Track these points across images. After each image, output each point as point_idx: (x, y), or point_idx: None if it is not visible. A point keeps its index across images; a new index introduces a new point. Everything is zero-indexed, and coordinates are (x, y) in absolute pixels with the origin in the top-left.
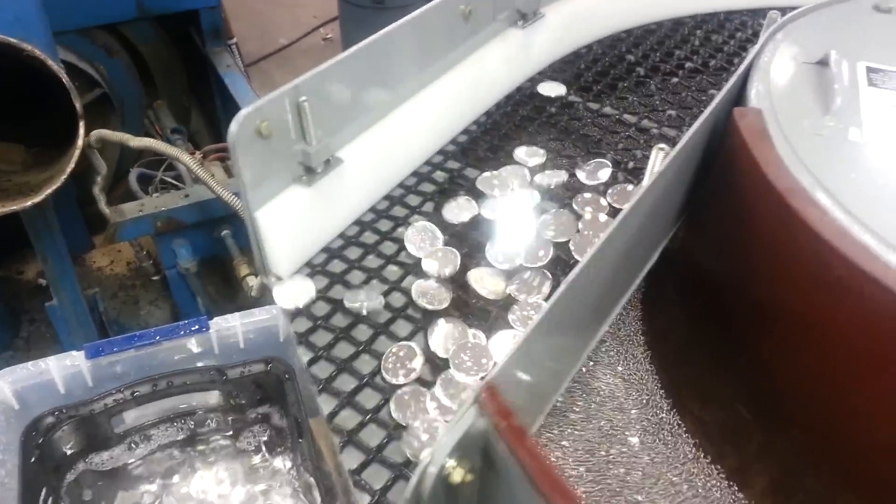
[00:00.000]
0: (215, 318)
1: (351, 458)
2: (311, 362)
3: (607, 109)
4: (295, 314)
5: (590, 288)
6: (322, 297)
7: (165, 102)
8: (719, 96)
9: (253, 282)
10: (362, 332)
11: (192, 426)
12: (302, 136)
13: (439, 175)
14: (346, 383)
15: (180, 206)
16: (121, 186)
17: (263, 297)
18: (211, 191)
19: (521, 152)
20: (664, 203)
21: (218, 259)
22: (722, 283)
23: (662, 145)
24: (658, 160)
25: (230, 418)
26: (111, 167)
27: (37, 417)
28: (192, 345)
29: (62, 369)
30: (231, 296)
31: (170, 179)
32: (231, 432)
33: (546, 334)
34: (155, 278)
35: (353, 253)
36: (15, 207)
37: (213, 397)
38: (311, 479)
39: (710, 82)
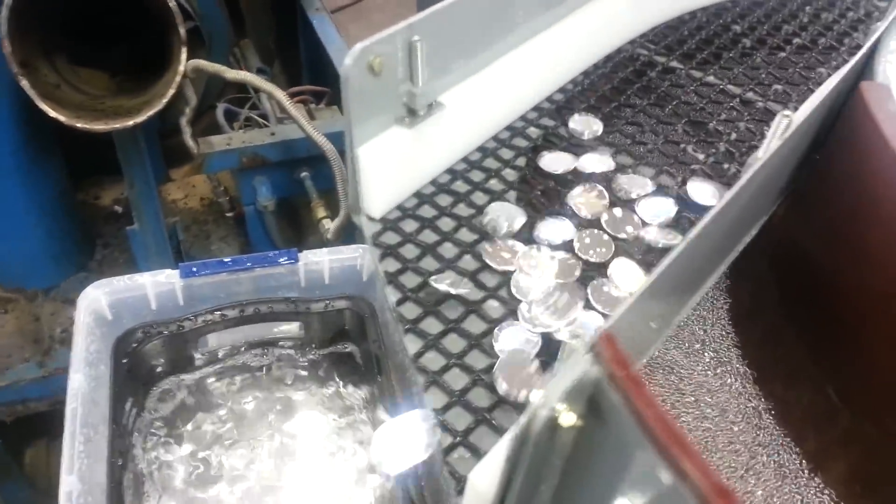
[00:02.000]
0: (304, 252)
1: (435, 399)
2: (399, 303)
3: (710, 79)
4: (385, 254)
5: (696, 253)
6: (411, 241)
7: (252, 41)
8: (845, 69)
9: (329, 224)
10: (449, 277)
11: (273, 355)
12: (409, 76)
13: (533, 131)
14: (432, 326)
15: (266, 143)
16: (201, 122)
17: (338, 240)
18: (301, 129)
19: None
20: (776, 174)
21: (291, 201)
22: (827, 263)
23: (787, 112)
24: (781, 128)
25: (310, 351)
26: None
27: (128, 330)
28: (280, 276)
29: (156, 286)
30: (299, 238)
31: (255, 117)
32: (310, 365)
33: (650, 297)
34: (228, 215)
35: (444, 200)
36: (118, 126)
37: (296, 329)
38: (387, 416)
39: (819, 60)
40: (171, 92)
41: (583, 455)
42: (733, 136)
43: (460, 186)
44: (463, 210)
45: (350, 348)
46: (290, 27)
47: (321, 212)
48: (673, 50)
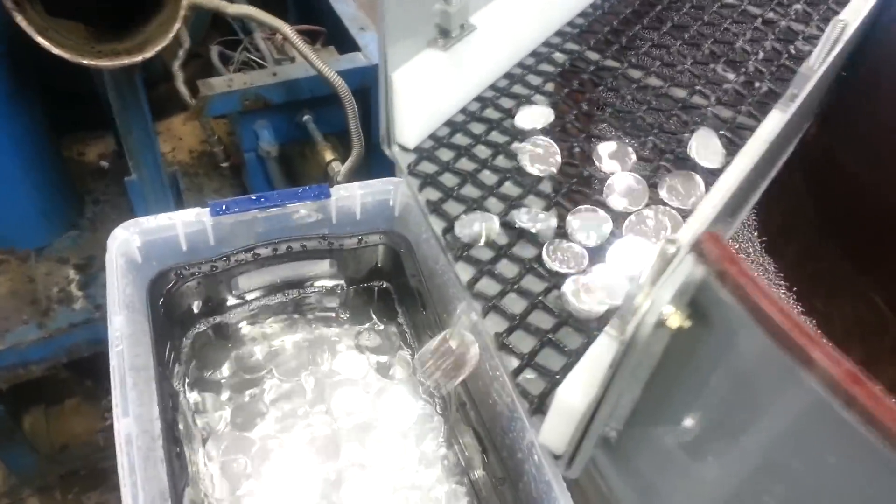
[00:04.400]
0: (335, 186)
1: (495, 324)
2: (445, 231)
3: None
4: (424, 184)
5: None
6: (449, 170)
7: None
8: None
9: (339, 167)
10: (494, 205)
11: (307, 293)
12: None
13: (559, 56)
14: (483, 253)
15: (269, 83)
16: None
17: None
18: (312, 66)
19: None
20: (818, 88)
21: (290, 147)
22: (870, 177)
23: (842, 18)
24: (836, 32)
25: (345, 289)
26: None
27: (161, 271)
28: (310, 212)
29: (186, 225)
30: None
31: (254, 59)
32: (345, 302)
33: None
34: (223, 165)
35: (477, 128)
36: (127, 61)
37: (329, 266)
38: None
39: None
40: (177, 26)
41: (684, 356)
42: (760, 55)
43: (491, 114)
44: (497, 137)
45: (385, 284)
46: None
47: (329, 154)
48: None
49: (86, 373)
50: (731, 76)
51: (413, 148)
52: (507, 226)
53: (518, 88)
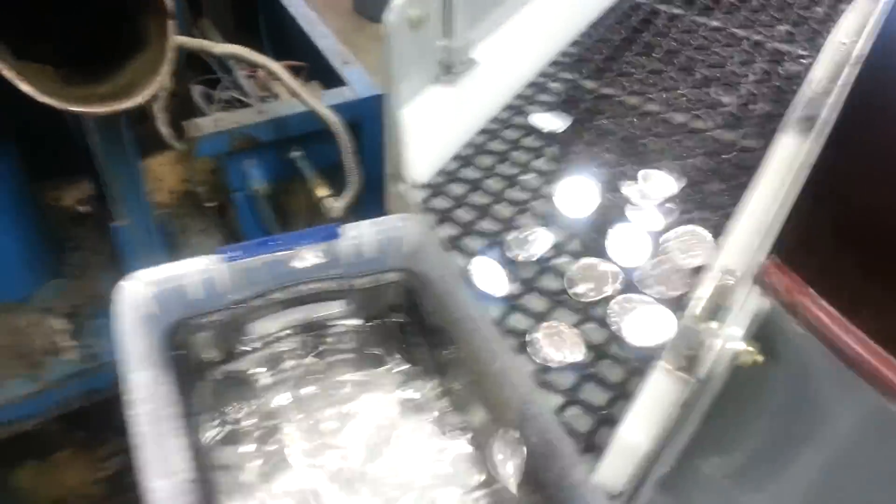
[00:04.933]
0: (346, 226)
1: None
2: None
3: (715, 23)
4: (441, 220)
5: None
6: (464, 204)
7: (210, 19)
8: None
9: (333, 202)
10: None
11: (323, 336)
12: (444, 31)
13: (555, 86)
14: (510, 287)
15: (257, 122)
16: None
17: (345, 220)
18: (304, 103)
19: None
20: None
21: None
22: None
23: (843, 40)
24: (839, 55)
25: (360, 329)
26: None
27: (176, 322)
28: (318, 254)
29: (197, 273)
30: (291, 223)
31: (239, 97)
32: (361, 344)
33: None
34: (208, 205)
35: (485, 161)
36: (119, 107)
37: (344, 307)
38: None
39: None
40: (167, 68)
41: (748, 390)
42: (751, 77)
43: (497, 146)
44: (507, 169)
45: (402, 321)
46: (249, 3)
47: (322, 190)
48: None
49: (77, 424)
50: (725, 99)
51: (424, 184)
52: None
53: (520, 119)
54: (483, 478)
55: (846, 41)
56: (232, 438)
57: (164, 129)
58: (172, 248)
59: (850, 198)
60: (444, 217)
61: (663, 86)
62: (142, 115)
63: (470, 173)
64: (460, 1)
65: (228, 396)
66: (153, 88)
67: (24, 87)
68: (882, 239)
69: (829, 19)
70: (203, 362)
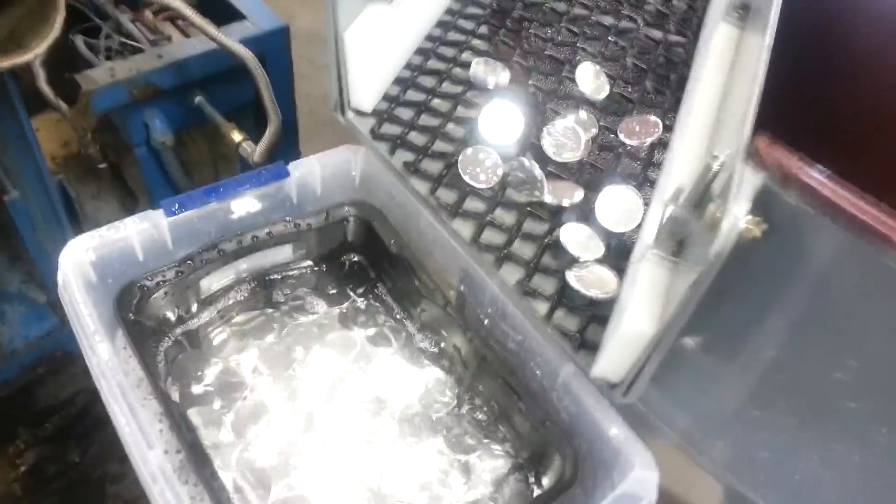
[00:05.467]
0: (292, 163)
1: (511, 274)
2: (433, 191)
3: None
4: (395, 147)
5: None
6: (416, 128)
7: None
8: None
9: (251, 147)
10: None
11: (279, 283)
12: None
13: None
14: (477, 205)
15: (156, 67)
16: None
17: (266, 162)
18: (214, 40)
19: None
20: None
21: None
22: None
23: None
24: None
25: (316, 270)
26: None
27: (125, 287)
28: (266, 195)
29: (140, 232)
30: (202, 175)
31: (129, 42)
32: (318, 283)
33: None
34: (102, 166)
35: (428, 81)
36: (15, 60)
37: (296, 250)
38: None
39: None
40: (60, 16)
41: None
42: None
43: (436, 65)
44: (451, 88)
45: (357, 258)
46: None
47: (237, 135)
48: None
49: None
50: None
51: (371, 111)
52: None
53: (454, 35)
54: (455, 402)
55: None
56: (201, 399)
57: (45, 88)
58: (72, 219)
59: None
60: (396, 144)
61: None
62: (11, 73)
63: (415, 95)
64: None
65: (191, 356)
66: (52, 35)
67: None
68: (859, 103)
69: None
70: (160, 324)
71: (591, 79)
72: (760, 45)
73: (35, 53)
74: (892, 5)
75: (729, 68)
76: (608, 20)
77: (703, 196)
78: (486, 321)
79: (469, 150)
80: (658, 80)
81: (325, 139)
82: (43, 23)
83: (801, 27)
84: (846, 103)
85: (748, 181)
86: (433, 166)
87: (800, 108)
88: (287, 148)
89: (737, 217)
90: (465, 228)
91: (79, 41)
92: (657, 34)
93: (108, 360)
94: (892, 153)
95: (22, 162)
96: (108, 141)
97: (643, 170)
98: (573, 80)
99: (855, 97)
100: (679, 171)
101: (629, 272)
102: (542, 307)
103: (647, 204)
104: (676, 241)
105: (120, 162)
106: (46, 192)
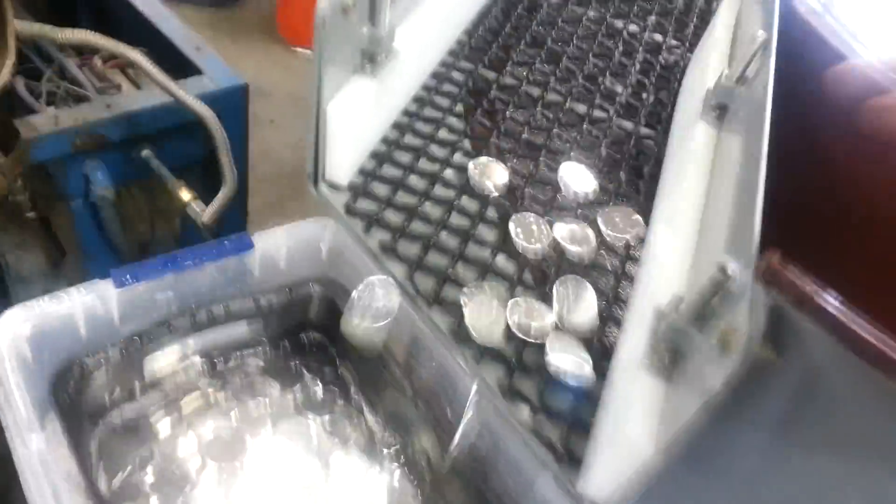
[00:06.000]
0: (256, 234)
1: (489, 373)
2: (410, 275)
3: (593, 13)
4: (369, 225)
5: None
6: (392, 206)
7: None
8: None
9: (200, 207)
10: (448, 241)
11: (231, 361)
12: (371, 16)
13: (457, 75)
14: (450, 293)
15: (104, 118)
16: None
17: (213, 225)
18: (172, 95)
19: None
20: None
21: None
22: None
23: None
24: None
25: (273, 350)
26: None
27: (62, 368)
28: (227, 268)
29: (84, 304)
30: (143, 232)
31: (75, 88)
32: (272, 363)
33: None
34: (30, 215)
35: (403, 157)
36: None
37: (253, 327)
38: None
39: None
40: (10, 61)
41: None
42: (637, 66)
43: (412, 140)
44: (427, 165)
45: (317, 336)
46: None
47: (185, 193)
48: None
49: None
50: (619, 88)
51: (346, 185)
52: (466, 259)
53: (429, 111)
54: None
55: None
56: (138, 493)
57: None
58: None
59: (831, 189)
60: (372, 221)
61: (561, 76)
62: None
63: (390, 171)
64: None
65: (130, 444)
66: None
67: None
68: (868, 226)
69: (689, 10)
70: (98, 408)
71: (577, 177)
72: (753, 153)
73: None
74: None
75: (710, 168)
76: (581, 108)
77: (705, 309)
78: (449, 414)
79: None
80: (631, 172)
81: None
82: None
83: (784, 132)
84: (830, 211)
85: (759, 301)
86: (410, 248)
87: (787, 216)
88: (237, 207)
89: (752, 339)
90: (442, 318)
91: (18, 83)
92: (628, 125)
93: (39, 453)
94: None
95: None
96: (39, 190)
97: (621, 263)
98: (551, 168)
99: (838, 205)
100: (670, 276)
101: (615, 379)
102: (524, 411)
103: (621, 301)
104: (671, 352)
105: (50, 213)
106: None
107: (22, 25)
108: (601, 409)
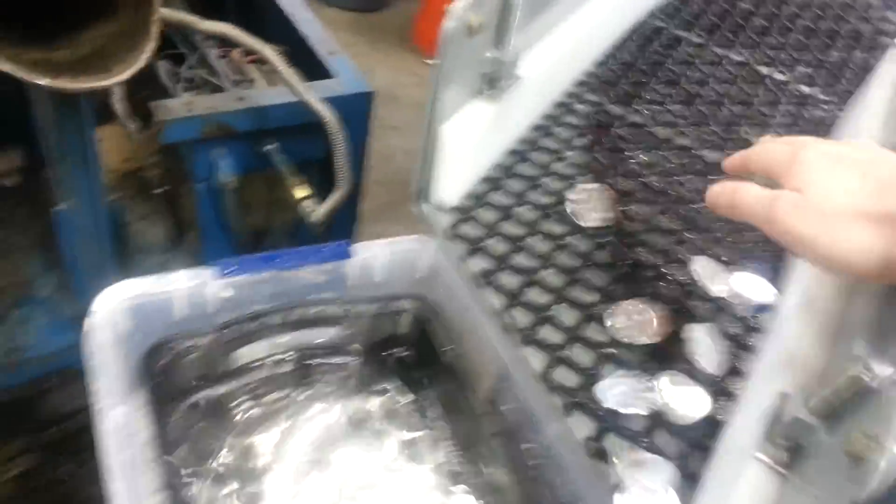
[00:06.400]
0: (356, 244)
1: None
2: (507, 308)
3: (735, 56)
4: (472, 251)
5: None
6: (497, 234)
7: None
8: None
9: (313, 205)
10: (551, 278)
11: (317, 366)
12: (498, 40)
13: (581, 108)
14: (552, 335)
15: (234, 110)
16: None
17: (324, 225)
18: (297, 95)
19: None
20: None
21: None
22: None
23: None
24: None
25: (362, 358)
26: None
27: (155, 345)
28: (324, 272)
29: (186, 289)
30: (257, 222)
31: (209, 78)
32: (360, 376)
33: None
34: (157, 191)
35: (516, 185)
36: (98, 84)
37: (344, 334)
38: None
39: (828, 43)
40: (151, 45)
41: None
42: (777, 117)
43: (527, 170)
44: (539, 197)
45: (406, 353)
46: None
47: (301, 191)
48: (690, 24)
49: None
50: (753, 140)
51: (452, 207)
52: (573, 302)
53: (548, 142)
54: None
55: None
56: (209, 477)
57: (119, 107)
58: (117, 237)
59: None
60: (474, 248)
61: (693, 119)
62: None
63: (500, 198)
64: (518, 8)
65: (209, 430)
66: (138, 64)
67: None
68: None
69: (844, 65)
70: (183, 390)
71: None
72: None
73: (116, 80)
74: None
75: None
76: (712, 157)
77: (838, 408)
78: (533, 460)
79: None
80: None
81: (379, 198)
82: (132, 50)
83: None
84: None
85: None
86: (510, 281)
87: None
88: (346, 208)
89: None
90: (535, 358)
91: (161, 67)
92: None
93: (121, 425)
94: None
95: (78, 176)
96: (171, 167)
97: (744, 332)
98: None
99: None
100: (799, 359)
101: (721, 465)
102: (613, 475)
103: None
104: (790, 447)
105: (176, 192)
106: (95, 210)
107: (167, 12)
108: (701, 493)
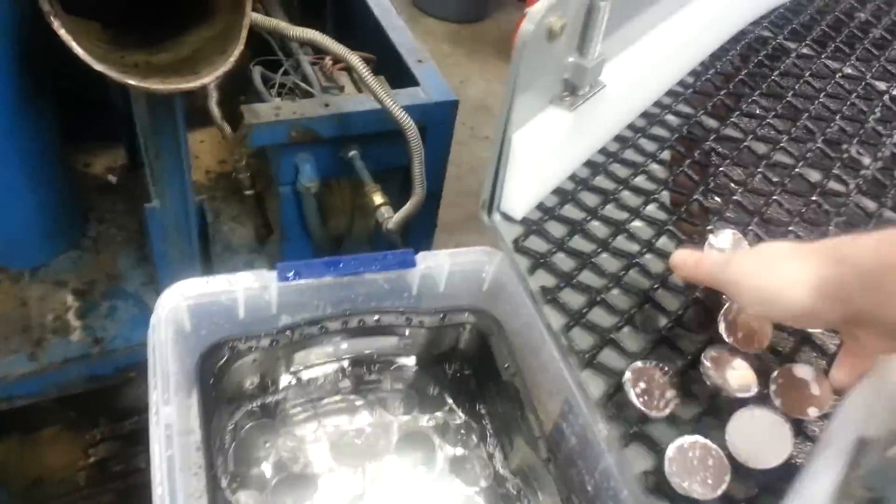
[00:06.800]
0: (421, 254)
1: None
2: (568, 328)
3: (849, 70)
4: (535, 265)
5: None
6: (563, 249)
7: None
8: None
9: (389, 212)
10: (618, 299)
11: (375, 374)
12: (580, 45)
13: (672, 119)
14: (612, 359)
15: (320, 115)
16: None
17: (399, 232)
18: (380, 102)
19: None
20: None
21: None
22: None
23: None
24: None
25: (420, 368)
26: None
27: (215, 344)
28: (388, 280)
29: (248, 290)
30: (337, 226)
31: (300, 83)
32: (416, 387)
33: None
34: (248, 193)
35: (590, 199)
36: (182, 86)
37: (403, 343)
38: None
39: None
40: (239, 49)
41: None
42: (894, 137)
43: (604, 182)
44: (614, 212)
45: (465, 369)
46: None
47: (378, 197)
48: (800, 35)
49: (70, 404)
50: (866, 160)
51: (520, 219)
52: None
53: (631, 154)
54: None
55: None
56: (257, 483)
57: (214, 109)
58: (203, 235)
59: None
60: (540, 262)
61: (797, 136)
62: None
63: (572, 212)
64: (605, 11)
65: (262, 432)
66: (223, 68)
67: (79, 52)
68: None
69: None
70: (238, 391)
71: None
72: None
73: (202, 82)
74: None
75: None
76: (814, 176)
77: None
78: (590, 489)
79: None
80: None
81: (464, 208)
82: (220, 54)
83: None
84: None
85: None
86: (574, 299)
87: None
88: (425, 216)
89: None
90: (594, 383)
91: (256, 72)
92: (870, 205)
93: (173, 423)
94: None
95: (170, 175)
96: (260, 170)
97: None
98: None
99: None
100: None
101: None
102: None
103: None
104: (870, 498)
105: (264, 192)
106: (185, 208)
107: (259, 18)
108: None
